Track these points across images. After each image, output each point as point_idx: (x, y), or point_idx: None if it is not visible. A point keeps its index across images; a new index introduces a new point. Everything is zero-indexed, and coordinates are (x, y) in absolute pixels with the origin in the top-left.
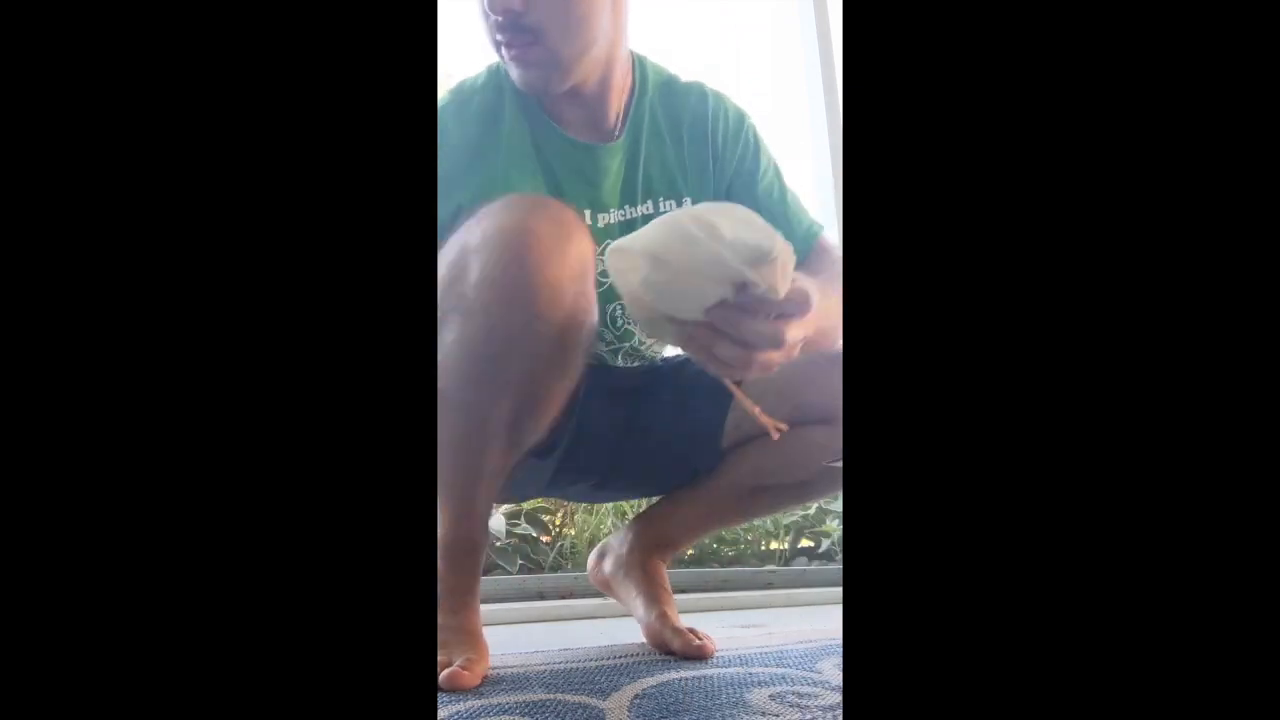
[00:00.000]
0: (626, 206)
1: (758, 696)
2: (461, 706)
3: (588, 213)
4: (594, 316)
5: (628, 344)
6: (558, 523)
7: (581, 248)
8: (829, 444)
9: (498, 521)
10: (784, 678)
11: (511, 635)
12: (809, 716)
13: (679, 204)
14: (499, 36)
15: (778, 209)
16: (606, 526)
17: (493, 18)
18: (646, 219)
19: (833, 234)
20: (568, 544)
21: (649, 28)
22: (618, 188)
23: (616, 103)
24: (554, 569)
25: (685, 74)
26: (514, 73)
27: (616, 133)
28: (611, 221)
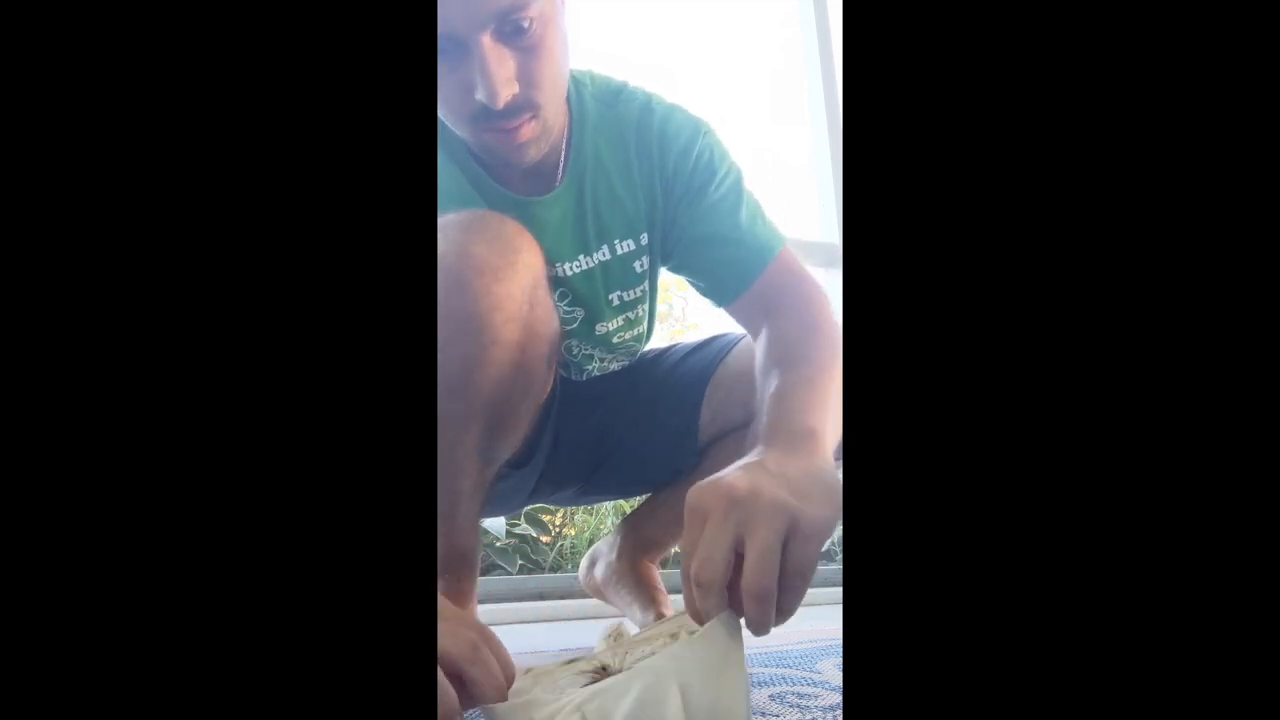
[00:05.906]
0: (582, 256)
1: (758, 697)
2: None
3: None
4: (554, 324)
5: (591, 366)
6: (557, 523)
7: (529, 258)
8: None
9: (497, 522)
10: (784, 678)
11: (511, 635)
12: (809, 716)
13: (636, 242)
14: (501, 123)
15: (727, 223)
16: (607, 526)
17: (497, 108)
18: (604, 265)
19: (833, 234)
20: (567, 544)
21: (646, 27)
22: (567, 238)
23: (555, 149)
24: (554, 569)
25: (684, 72)
26: (508, 153)
27: (558, 178)
28: (569, 274)
